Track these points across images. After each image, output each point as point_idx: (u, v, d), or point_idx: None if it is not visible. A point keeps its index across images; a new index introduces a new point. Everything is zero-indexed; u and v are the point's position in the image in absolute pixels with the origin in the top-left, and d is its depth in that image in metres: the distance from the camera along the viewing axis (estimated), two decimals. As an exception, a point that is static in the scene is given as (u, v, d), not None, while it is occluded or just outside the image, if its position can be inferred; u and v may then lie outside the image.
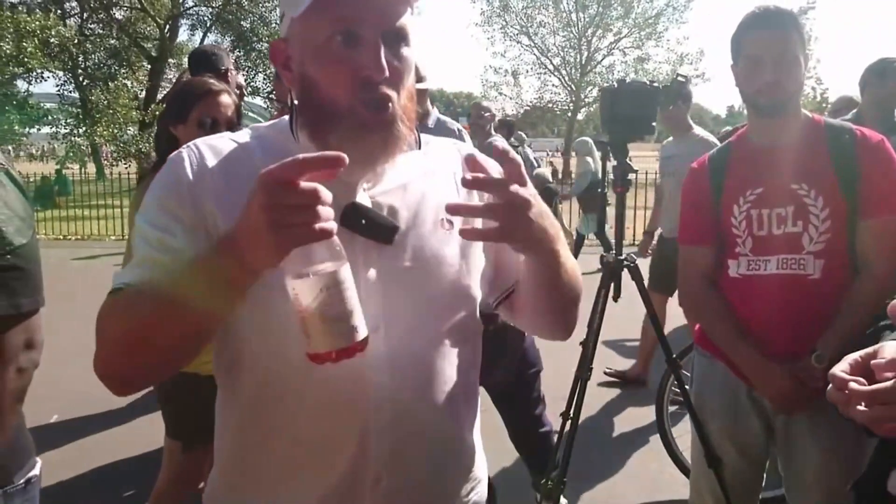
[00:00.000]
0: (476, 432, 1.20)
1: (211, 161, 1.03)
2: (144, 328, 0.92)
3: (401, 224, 1.03)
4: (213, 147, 1.05)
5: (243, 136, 1.09)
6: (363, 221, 1.00)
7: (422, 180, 1.10)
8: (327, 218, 0.81)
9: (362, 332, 0.87)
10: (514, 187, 0.90)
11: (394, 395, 1.02)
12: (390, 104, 0.98)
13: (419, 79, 3.58)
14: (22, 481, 1.35)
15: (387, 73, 0.95)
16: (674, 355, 2.72)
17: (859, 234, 1.88)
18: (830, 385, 0.90)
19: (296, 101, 1.05)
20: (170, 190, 1.02)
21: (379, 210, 1.03)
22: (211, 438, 1.14)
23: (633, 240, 10.50)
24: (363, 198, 1.02)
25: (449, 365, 1.09)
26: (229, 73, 3.52)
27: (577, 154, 10.12)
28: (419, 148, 1.11)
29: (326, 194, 0.80)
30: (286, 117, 1.10)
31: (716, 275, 2.07)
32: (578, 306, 1.17)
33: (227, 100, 2.43)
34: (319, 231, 0.80)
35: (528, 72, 34.42)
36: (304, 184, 0.79)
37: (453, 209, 0.92)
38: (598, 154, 9.86)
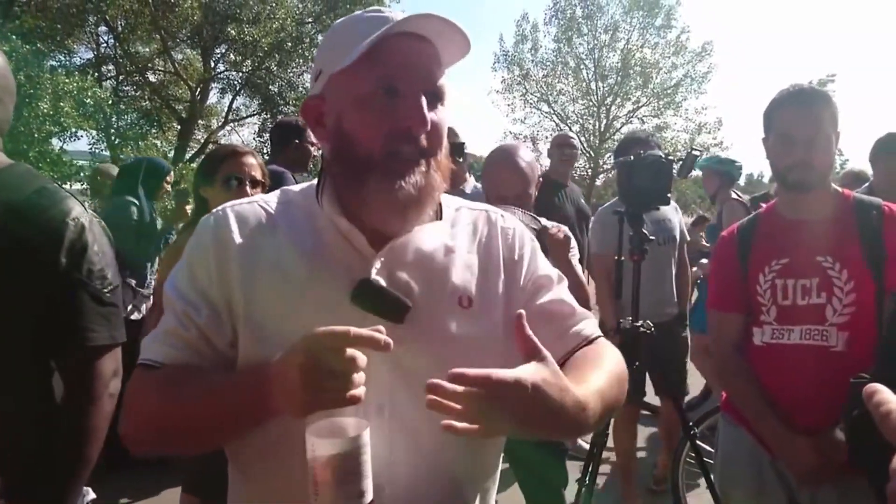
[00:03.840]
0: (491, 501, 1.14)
1: (235, 230, 1.04)
2: (174, 422, 0.97)
3: (414, 302, 1.00)
4: (239, 214, 1.07)
5: (272, 200, 1.10)
6: (374, 299, 0.98)
7: (442, 255, 1.07)
8: (359, 384, 0.83)
9: (368, 497, 0.86)
10: (490, 388, 0.82)
11: (394, 479, 0.98)
12: (426, 157, 1.00)
13: (455, 135, 3.73)
14: None
15: (429, 126, 0.98)
16: (690, 423, 2.72)
17: (886, 307, 1.86)
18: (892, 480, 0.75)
19: (327, 157, 1.06)
20: (197, 259, 1.05)
21: (394, 285, 1.01)
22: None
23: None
24: (377, 272, 1.01)
25: (460, 449, 1.02)
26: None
27: None
28: (440, 219, 1.09)
29: (363, 361, 0.83)
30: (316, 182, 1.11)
31: (743, 342, 2.08)
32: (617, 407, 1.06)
33: (251, 160, 2.55)
34: (349, 398, 0.82)
35: (547, 138, 34.81)
36: (350, 351, 0.81)
37: (432, 388, 0.82)
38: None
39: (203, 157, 2.59)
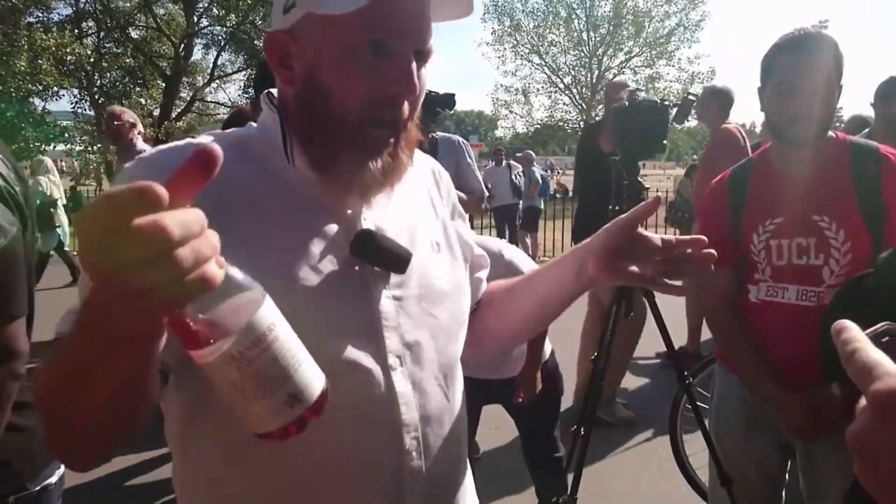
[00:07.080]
0: None
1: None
2: (62, 391, 0.71)
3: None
4: (168, 157, 0.87)
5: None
6: (376, 250, 0.92)
7: (412, 203, 1.05)
8: (204, 261, 0.53)
9: (311, 394, 0.64)
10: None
11: (423, 430, 0.95)
12: (402, 128, 0.91)
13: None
14: (36, 489, 1.32)
15: (417, 93, 0.89)
16: (685, 372, 2.70)
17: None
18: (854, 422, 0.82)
19: (289, 105, 0.93)
20: None
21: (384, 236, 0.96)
22: None
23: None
24: (370, 225, 0.96)
25: (458, 390, 1.05)
26: None
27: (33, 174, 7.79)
28: None
29: (193, 220, 0.53)
30: (254, 125, 0.98)
31: (737, 297, 2.02)
32: None
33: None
34: (196, 283, 0.53)
35: (538, 90, 34.61)
36: (139, 221, 0.49)
37: None
38: (55, 176, 8.10)
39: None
